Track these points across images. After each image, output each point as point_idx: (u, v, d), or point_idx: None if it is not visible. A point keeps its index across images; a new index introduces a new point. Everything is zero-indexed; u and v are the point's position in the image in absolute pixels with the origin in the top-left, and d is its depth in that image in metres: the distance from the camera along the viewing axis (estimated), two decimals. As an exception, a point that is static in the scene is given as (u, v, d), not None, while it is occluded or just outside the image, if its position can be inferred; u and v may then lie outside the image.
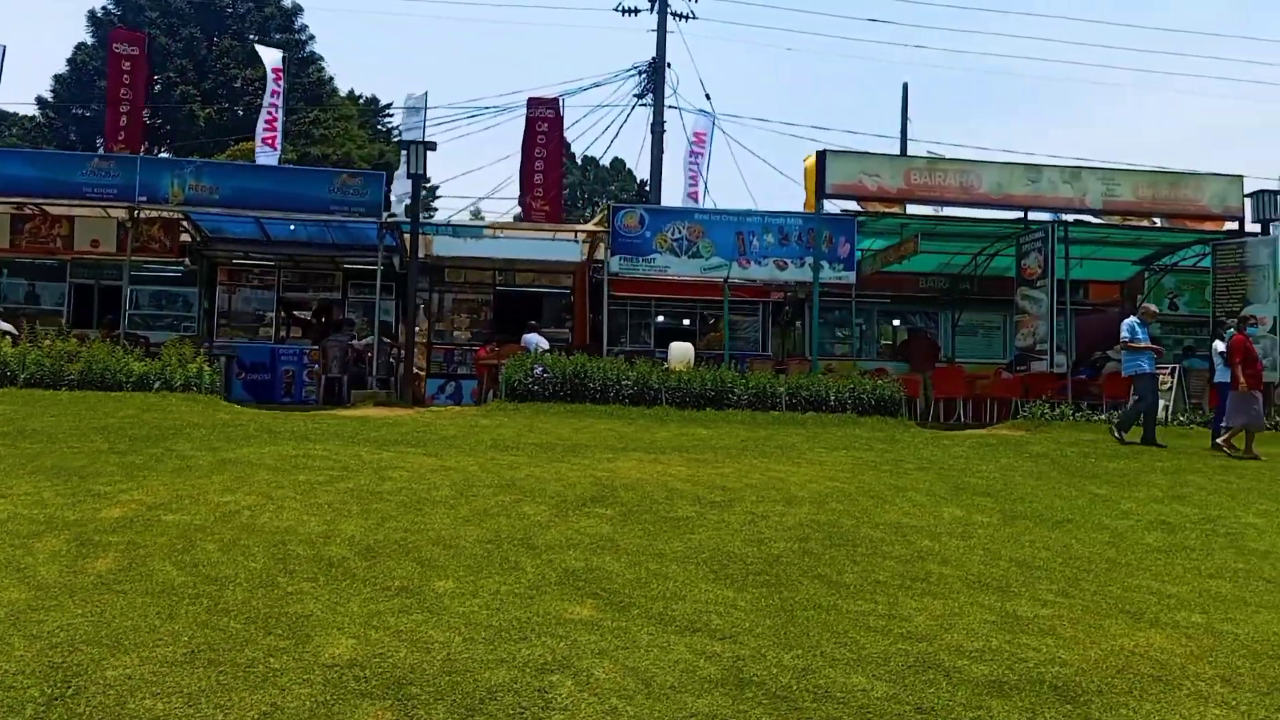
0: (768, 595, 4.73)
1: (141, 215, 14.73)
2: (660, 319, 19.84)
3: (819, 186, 14.54)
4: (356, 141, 42.91)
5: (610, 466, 8.07)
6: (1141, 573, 5.57)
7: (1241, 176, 15.62)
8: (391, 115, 47.04)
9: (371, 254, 14.88)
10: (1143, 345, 11.44)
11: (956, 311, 18.68)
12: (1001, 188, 14.78)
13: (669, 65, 24.94)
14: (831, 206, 15.06)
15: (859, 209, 15.02)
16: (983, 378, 15.65)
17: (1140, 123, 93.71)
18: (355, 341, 14.39)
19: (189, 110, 37.45)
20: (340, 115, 43.70)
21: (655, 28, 25.19)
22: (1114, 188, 15.06)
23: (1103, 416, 13.86)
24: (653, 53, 25.35)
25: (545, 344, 14.75)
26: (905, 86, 27.72)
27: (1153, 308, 12.59)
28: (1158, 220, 15.59)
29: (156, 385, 12.37)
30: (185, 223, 15.59)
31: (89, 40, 37.38)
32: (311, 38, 42.10)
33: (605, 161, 52.41)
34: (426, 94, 26.01)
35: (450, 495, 6.53)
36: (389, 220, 14.15)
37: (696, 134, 26.70)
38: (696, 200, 26.15)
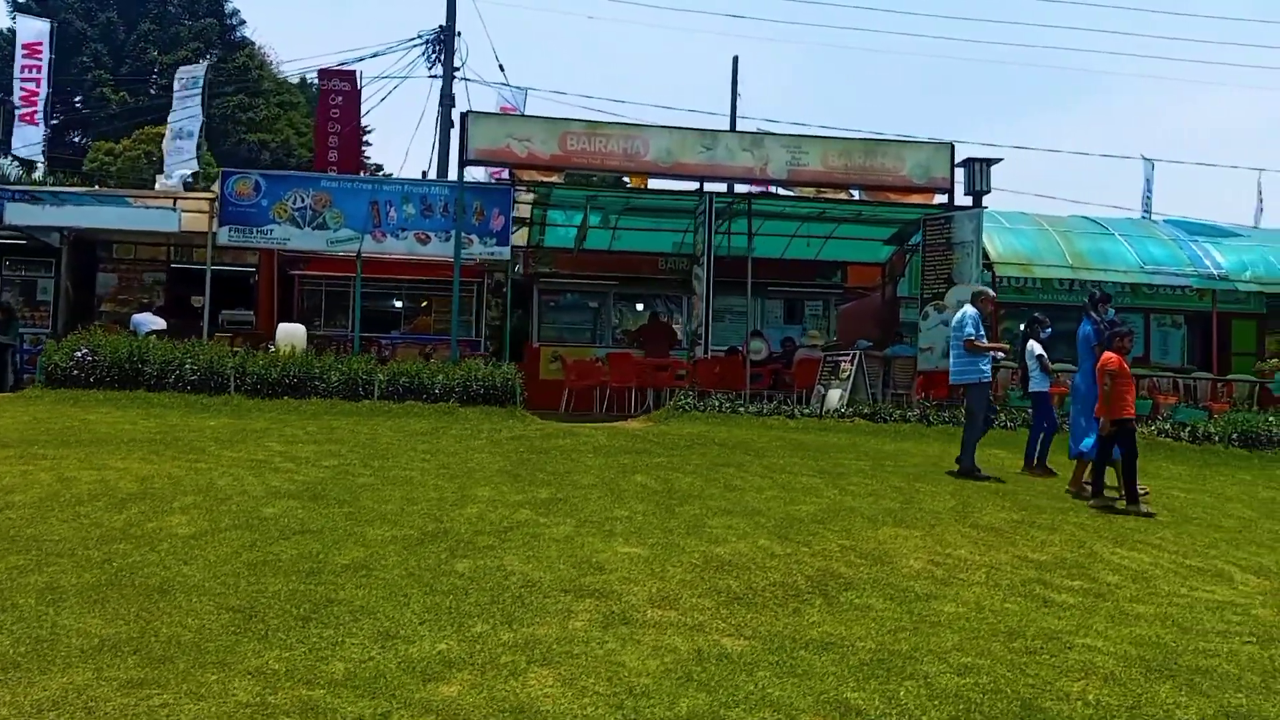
0: None
1: None
2: (396, 302, 18.46)
3: (461, 151, 13.10)
4: (298, 129, 41.43)
5: None
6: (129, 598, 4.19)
7: (951, 144, 14.18)
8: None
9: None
10: (987, 346, 8.95)
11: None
12: (672, 155, 13.33)
13: (459, 34, 23.40)
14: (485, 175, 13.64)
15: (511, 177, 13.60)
16: (666, 365, 14.27)
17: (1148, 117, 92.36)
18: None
19: (100, 94, 36.05)
20: (282, 102, 42.03)
21: (446, -6, 23.64)
22: (800, 156, 13.61)
23: (753, 407, 12.46)
24: (444, 20, 23.82)
25: (158, 324, 13.34)
26: (735, 60, 26.50)
27: (990, 292, 9.81)
28: (855, 193, 14.17)
29: None
30: None
31: (5, 25, 35.56)
32: (242, 22, 41.03)
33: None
34: (207, 67, 24.55)
35: None
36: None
37: (503, 109, 25.28)
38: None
